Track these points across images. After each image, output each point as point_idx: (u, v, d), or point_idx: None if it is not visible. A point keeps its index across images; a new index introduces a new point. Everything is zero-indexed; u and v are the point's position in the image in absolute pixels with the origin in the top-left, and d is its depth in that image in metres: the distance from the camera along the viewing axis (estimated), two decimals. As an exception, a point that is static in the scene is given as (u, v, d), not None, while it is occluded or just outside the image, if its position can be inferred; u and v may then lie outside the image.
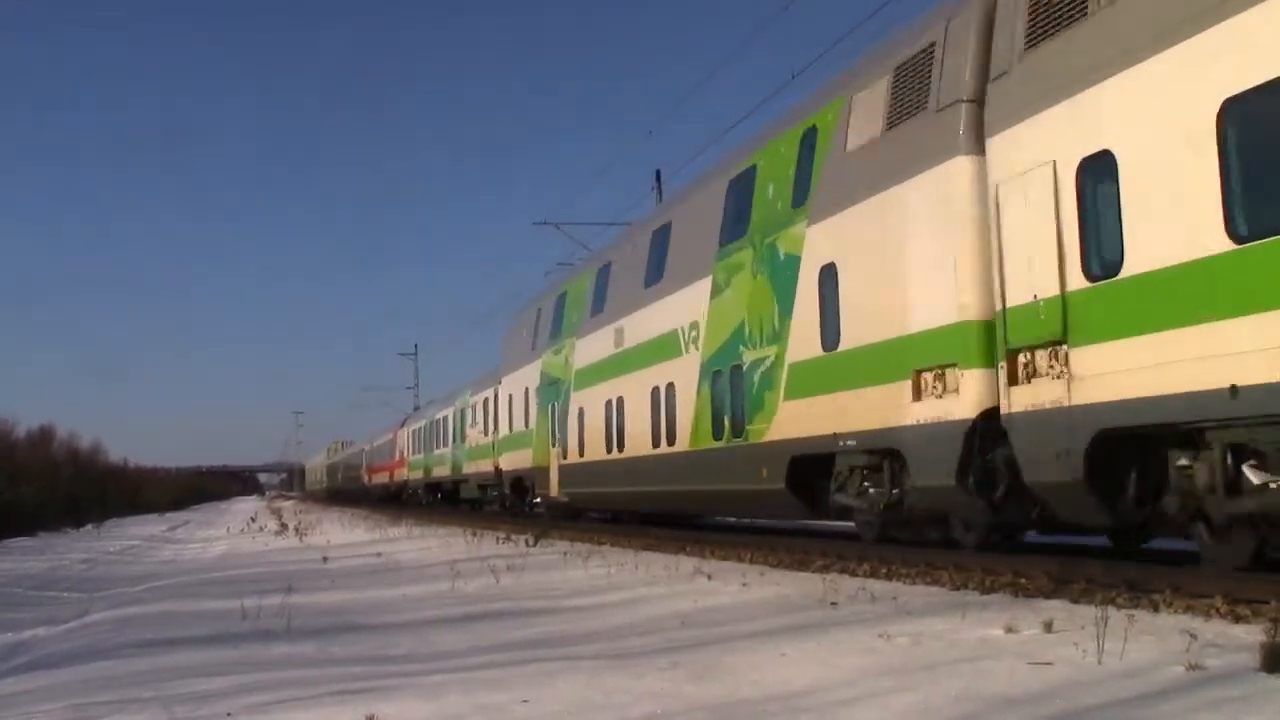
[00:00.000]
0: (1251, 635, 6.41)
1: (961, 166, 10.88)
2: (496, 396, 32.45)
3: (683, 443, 17.42)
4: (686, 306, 17.30)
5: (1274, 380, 7.52)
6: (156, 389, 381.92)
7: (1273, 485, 8.09)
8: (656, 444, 18.56)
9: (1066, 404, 9.44)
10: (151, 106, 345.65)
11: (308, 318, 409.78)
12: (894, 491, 12.31)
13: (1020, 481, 10.26)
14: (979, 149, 10.68)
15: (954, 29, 11.30)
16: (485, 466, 34.76)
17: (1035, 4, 10.02)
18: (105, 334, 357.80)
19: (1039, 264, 9.70)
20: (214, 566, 20.91)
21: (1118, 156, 8.90)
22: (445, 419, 42.96)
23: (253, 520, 42.97)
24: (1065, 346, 9.48)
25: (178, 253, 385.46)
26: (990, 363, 10.49)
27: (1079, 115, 9.30)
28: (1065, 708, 5.31)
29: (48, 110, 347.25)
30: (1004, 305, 10.22)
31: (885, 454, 12.29)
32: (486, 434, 34.70)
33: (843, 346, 12.83)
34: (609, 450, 21.08)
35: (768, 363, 14.55)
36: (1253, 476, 8.24)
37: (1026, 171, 9.86)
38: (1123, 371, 8.84)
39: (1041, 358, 9.80)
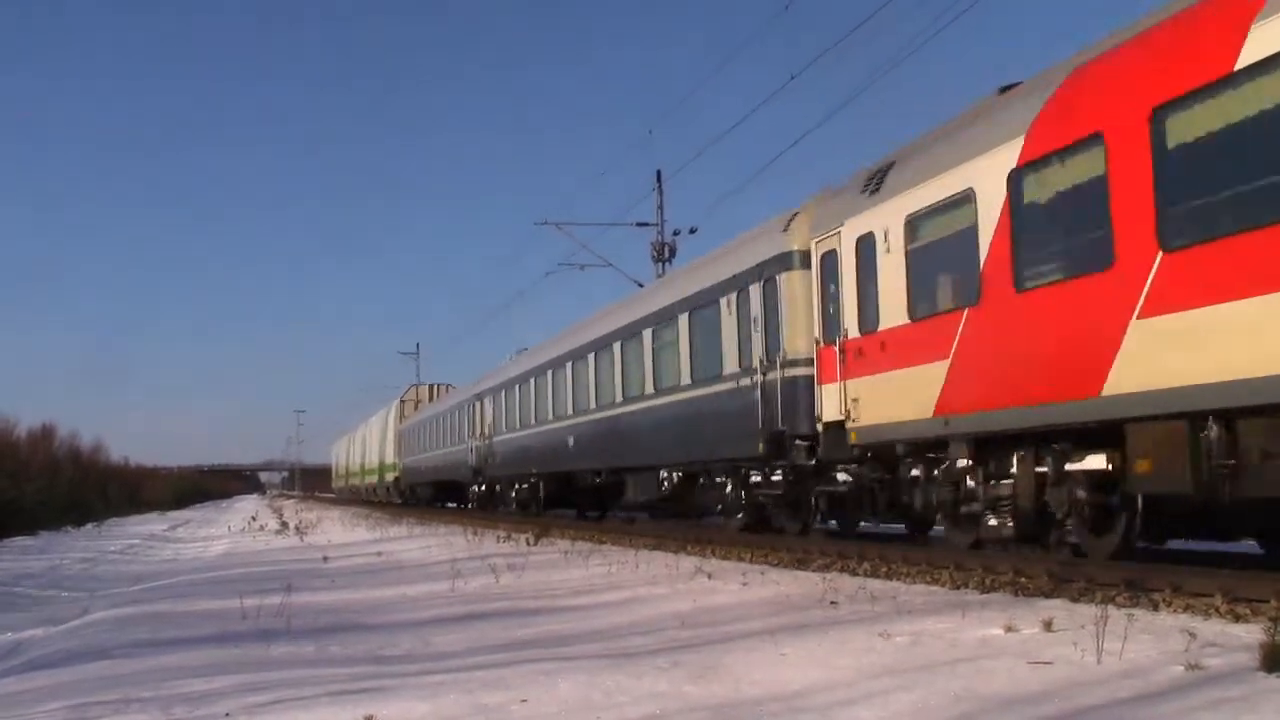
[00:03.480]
0: (1251, 635, 6.41)
1: None
2: None
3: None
4: None
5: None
6: (157, 389, 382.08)
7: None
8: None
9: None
10: (150, 100, 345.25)
11: (308, 317, 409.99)
12: None
13: None
14: None
15: None
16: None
17: None
18: (106, 333, 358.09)
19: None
20: (214, 566, 20.91)
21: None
22: None
23: (253, 519, 42.93)
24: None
25: (178, 251, 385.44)
26: None
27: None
28: (1065, 707, 5.30)
29: (47, 108, 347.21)
30: None
31: None
32: None
33: None
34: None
35: None
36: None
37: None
38: None
39: None
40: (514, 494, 31.95)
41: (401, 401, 55.93)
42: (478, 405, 35.21)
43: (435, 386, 54.81)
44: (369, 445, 64.27)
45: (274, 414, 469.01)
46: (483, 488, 36.51)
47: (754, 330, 15.68)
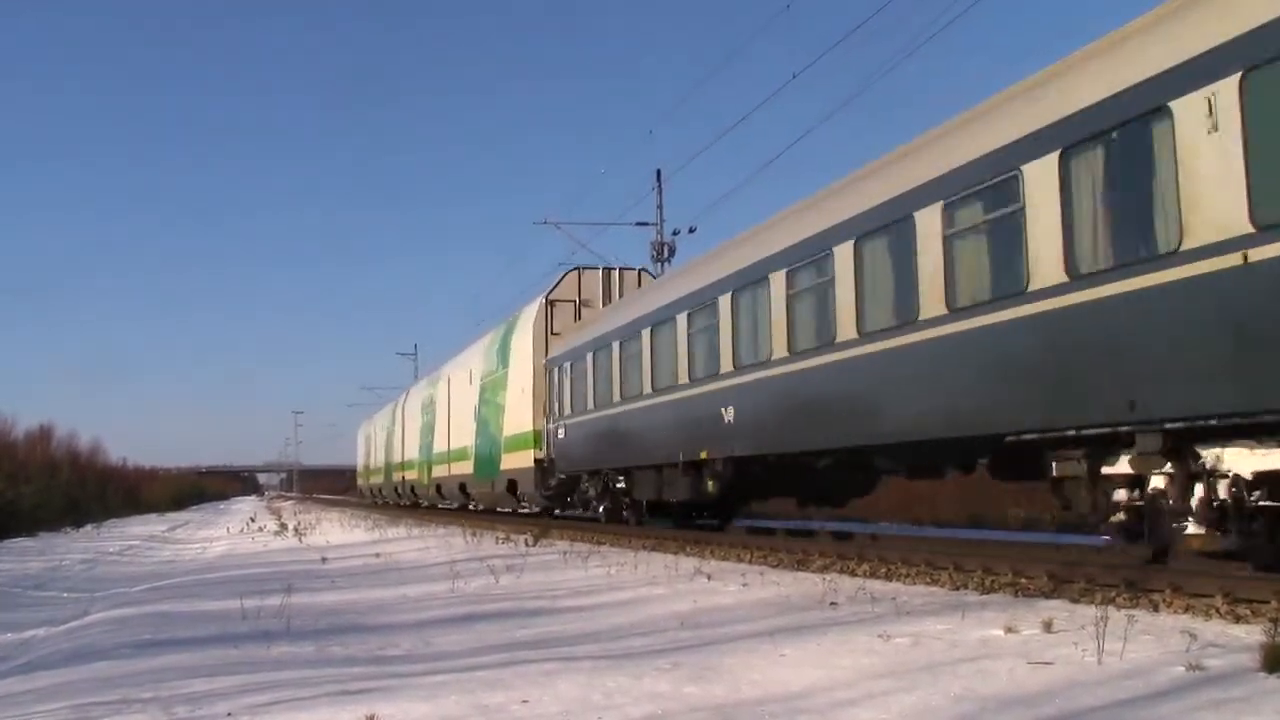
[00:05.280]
0: (1251, 635, 6.42)
1: None
2: None
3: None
4: None
5: None
6: (156, 389, 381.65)
7: None
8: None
9: None
10: (150, 102, 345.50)
11: (306, 317, 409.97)
12: None
13: None
14: None
15: None
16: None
17: None
18: (104, 334, 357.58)
19: None
20: (214, 566, 20.90)
21: None
22: None
23: (252, 520, 42.87)
24: None
25: (177, 252, 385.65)
26: None
27: None
28: (1065, 708, 5.31)
29: (47, 109, 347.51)
30: None
31: None
32: None
33: None
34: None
35: None
36: None
37: None
38: None
39: None
40: None
41: (547, 302, 26.55)
42: None
43: (618, 271, 27.18)
44: (446, 408, 36.23)
45: (272, 415, 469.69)
46: None
47: None
